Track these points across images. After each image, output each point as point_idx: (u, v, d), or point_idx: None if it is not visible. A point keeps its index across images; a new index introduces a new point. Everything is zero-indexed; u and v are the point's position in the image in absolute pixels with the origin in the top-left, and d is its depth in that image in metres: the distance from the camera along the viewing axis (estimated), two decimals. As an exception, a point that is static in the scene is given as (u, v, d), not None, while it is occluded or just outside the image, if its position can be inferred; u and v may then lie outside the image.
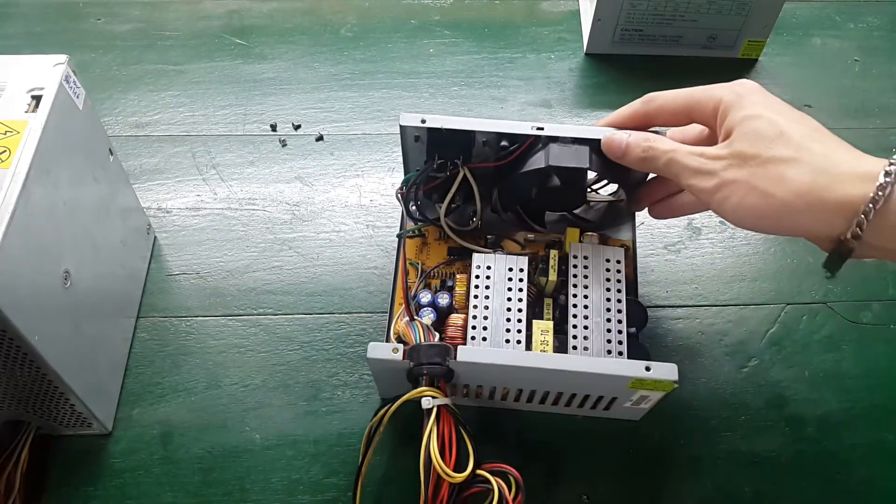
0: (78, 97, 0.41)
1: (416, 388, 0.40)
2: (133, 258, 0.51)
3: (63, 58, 0.40)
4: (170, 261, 0.54)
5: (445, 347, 0.40)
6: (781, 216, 0.35)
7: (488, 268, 0.45)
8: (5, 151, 0.36)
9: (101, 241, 0.44)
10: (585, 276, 0.44)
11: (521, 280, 0.44)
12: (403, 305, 0.45)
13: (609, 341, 0.42)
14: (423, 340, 0.41)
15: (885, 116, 0.65)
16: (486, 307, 0.43)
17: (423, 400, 0.39)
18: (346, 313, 0.52)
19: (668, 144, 0.40)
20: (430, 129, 0.44)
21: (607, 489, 0.45)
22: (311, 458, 0.46)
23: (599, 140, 0.42)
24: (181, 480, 0.45)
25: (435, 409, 0.38)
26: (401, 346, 0.40)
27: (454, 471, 0.37)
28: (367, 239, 0.55)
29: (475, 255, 0.45)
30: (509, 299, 0.43)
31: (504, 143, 0.44)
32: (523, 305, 0.43)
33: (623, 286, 0.44)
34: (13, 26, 0.69)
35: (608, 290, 0.44)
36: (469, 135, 0.44)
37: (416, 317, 0.43)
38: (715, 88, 0.39)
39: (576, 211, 0.49)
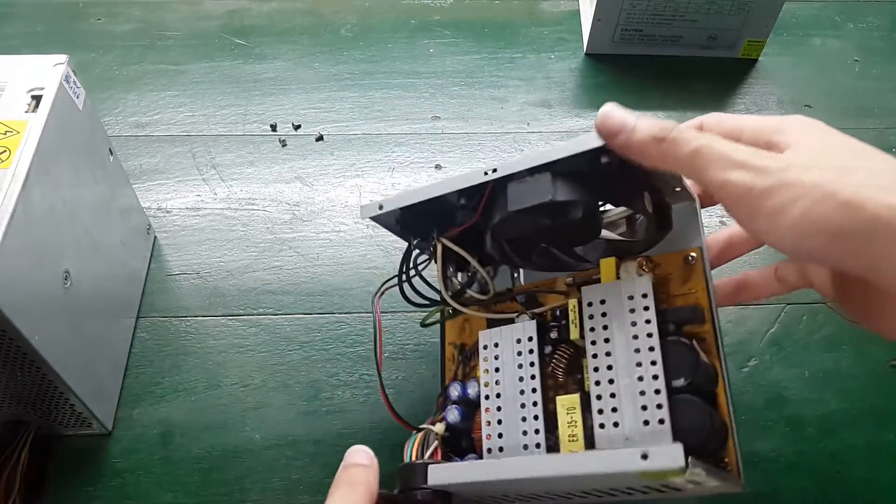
0: (78, 97, 0.41)
1: None
2: (133, 258, 0.51)
3: (63, 58, 0.40)
4: (170, 261, 0.54)
5: (423, 467, 0.34)
6: (869, 237, 0.26)
7: (496, 345, 0.38)
8: (5, 151, 0.36)
9: (101, 241, 0.44)
10: (605, 327, 0.35)
11: (531, 352, 0.37)
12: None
13: (644, 407, 0.32)
14: (414, 457, 0.36)
15: (885, 116, 0.65)
16: (499, 395, 0.37)
17: None
18: (346, 313, 0.52)
19: (695, 131, 0.30)
20: (383, 215, 0.39)
21: None
22: (311, 457, 0.46)
23: (559, 160, 0.33)
24: (181, 480, 0.45)
25: None
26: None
27: None
28: (367, 239, 0.55)
29: (480, 335, 0.39)
30: (521, 379, 0.36)
31: (462, 201, 0.37)
32: (537, 384, 0.36)
33: (654, 328, 0.34)
34: (13, 26, 0.69)
35: (635, 336, 0.34)
36: (428, 203, 0.37)
37: (425, 426, 0.38)
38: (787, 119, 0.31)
39: (609, 235, 0.40)
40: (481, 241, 0.38)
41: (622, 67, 0.68)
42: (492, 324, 0.40)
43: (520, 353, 0.37)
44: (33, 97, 0.38)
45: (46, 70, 0.40)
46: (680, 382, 0.32)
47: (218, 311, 0.51)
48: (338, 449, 0.46)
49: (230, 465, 0.45)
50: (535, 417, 0.35)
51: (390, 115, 0.63)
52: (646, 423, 0.32)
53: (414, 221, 0.39)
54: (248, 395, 0.48)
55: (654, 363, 0.33)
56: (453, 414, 0.38)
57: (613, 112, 0.31)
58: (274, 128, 0.62)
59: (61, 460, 0.45)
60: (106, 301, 0.46)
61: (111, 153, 0.47)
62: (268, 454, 0.46)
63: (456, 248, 0.38)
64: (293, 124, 0.62)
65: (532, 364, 0.36)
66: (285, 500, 0.44)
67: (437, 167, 0.60)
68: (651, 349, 0.33)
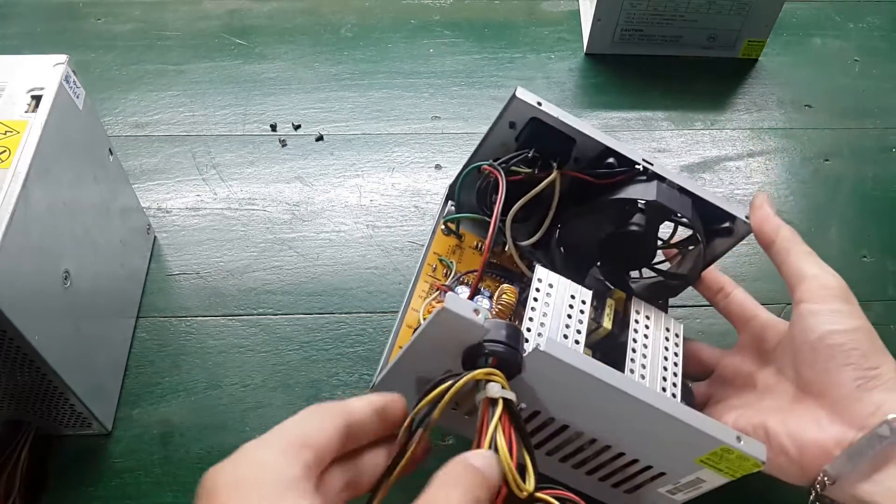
0: (78, 97, 0.41)
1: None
2: (133, 258, 0.51)
3: (63, 58, 0.40)
4: (170, 261, 0.54)
5: (517, 330, 0.32)
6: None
7: (550, 286, 0.38)
8: (5, 151, 0.36)
9: (100, 241, 0.44)
10: (646, 337, 0.39)
11: (581, 312, 0.38)
12: (438, 287, 0.39)
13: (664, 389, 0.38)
14: (495, 313, 0.36)
15: (885, 116, 0.65)
16: (542, 326, 0.36)
17: (491, 386, 0.30)
18: (345, 313, 0.52)
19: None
20: (533, 118, 0.39)
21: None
22: (311, 458, 0.46)
23: (700, 197, 0.40)
24: (181, 480, 0.45)
25: (501, 404, 0.29)
26: (482, 308, 0.31)
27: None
28: (367, 239, 0.55)
29: (539, 269, 0.39)
30: (567, 326, 0.37)
31: (611, 160, 0.40)
32: (582, 338, 0.37)
33: (679, 363, 0.39)
34: (13, 26, 0.69)
35: (665, 358, 0.39)
36: (570, 141, 0.39)
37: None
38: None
39: (626, 275, 0.44)
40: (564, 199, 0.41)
41: (622, 67, 0.68)
42: (488, 267, 0.42)
43: (571, 307, 0.38)
44: (33, 97, 0.38)
45: (46, 70, 0.40)
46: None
47: (218, 311, 0.51)
48: (338, 449, 0.46)
49: (230, 465, 0.45)
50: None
51: (390, 114, 0.63)
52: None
53: (539, 141, 0.40)
54: (247, 395, 0.48)
55: (674, 393, 0.38)
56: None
57: (769, 201, 0.41)
58: (274, 128, 0.62)
59: (61, 460, 0.45)
60: (106, 301, 0.46)
61: (111, 153, 0.47)
62: (268, 454, 0.46)
63: (557, 188, 0.40)
64: (293, 124, 0.62)
65: (581, 322, 0.38)
66: (285, 501, 0.44)
67: (437, 167, 0.60)
68: (675, 383, 0.39)
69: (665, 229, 0.43)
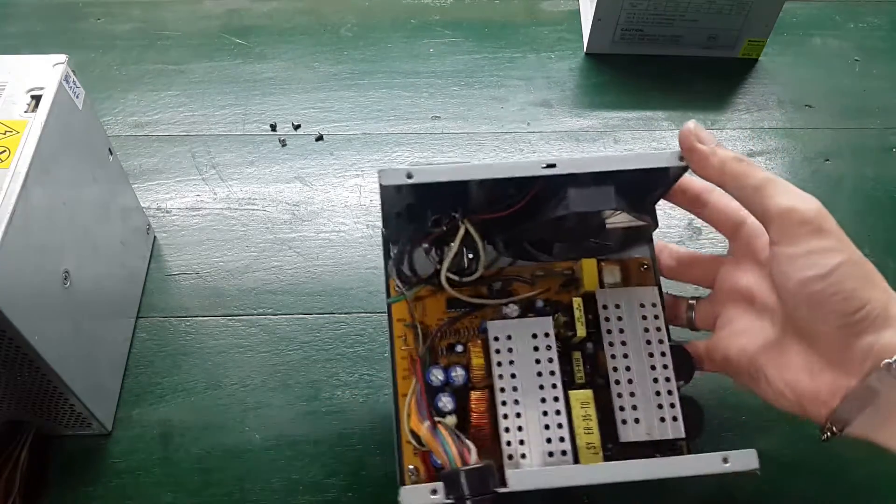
0: (77, 97, 0.41)
1: None
2: (133, 258, 0.51)
3: (62, 58, 0.40)
4: (169, 261, 0.54)
5: (488, 468, 0.33)
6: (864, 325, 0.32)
7: (508, 338, 0.37)
8: (5, 151, 0.36)
9: (100, 241, 0.44)
10: (621, 331, 0.38)
11: (548, 348, 0.37)
12: (415, 399, 0.37)
13: (660, 406, 0.36)
14: (456, 457, 0.34)
15: (886, 116, 0.65)
16: (515, 388, 0.36)
17: None
18: (345, 313, 0.52)
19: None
20: (394, 187, 0.35)
21: (607, 487, 0.45)
22: (311, 458, 0.46)
23: (622, 171, 0.35)
24: (181, 481, 0.45)
25: None
26: (439, 486, 0.32)
27: None
28: (367, 239, 0.55)
29: (490, 325, 0.37)
30: (539, 374, 0.36)
31: (511, 190, 0.37)
32: (557, 380, 0.36)
33: (664, 334, 0.38)
34: (13, 26, 0.68)
35: (648, 342, 0.37)
36: (464, 183, 0.36)
37: (436, 418, 0.36)
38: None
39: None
40: (490, 226, 0.38)
41: (622, 67, 0.68)
42: (456, 304, 0.40)
43: (536, 349, 0.37)
44: (33, 97, 0.38)
45: (46, 70, 0.40)
46: (681, 384, 0.37)
47: (217, 311, 0.51)
48: (338, 449, 0.46)
49: (230, 466, 0.45)
50: (558, 412, 0.36)
51: (390, 114, 0.63)
52: (662, 419, 0.36)
53: (430, 198, 0.37)
54: (247, 395, 0.48)
55: (665, 367, 0.37)
56: (449, 403, 0.37)
57: (700, 128, 0.35)
58: (274, 128, 0.62)
59: (61, 461, 0.45)
60: (105, 301, 0.46)
61: (111, 153, 0.47)
62: (267, 454, 0.46)
63: (474, 233, 0.37)
64: (293, 124, 0.62)
65: (551, 360, 0.36)
66: (285, 501, 0.44)
67: (437, 167, 0.60)
68: (662, 354, 0.37)
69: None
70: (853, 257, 0.33)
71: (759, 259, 0.38)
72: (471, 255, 0.39)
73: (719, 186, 0.36)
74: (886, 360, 0.32)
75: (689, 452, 0.37)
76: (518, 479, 0.32)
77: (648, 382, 0.37)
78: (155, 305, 0.51)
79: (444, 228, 0.38)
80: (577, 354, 0.38)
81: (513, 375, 0.36)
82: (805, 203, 0.33)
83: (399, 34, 0.70)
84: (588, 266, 0.40)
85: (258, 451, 0.46)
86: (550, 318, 0.38)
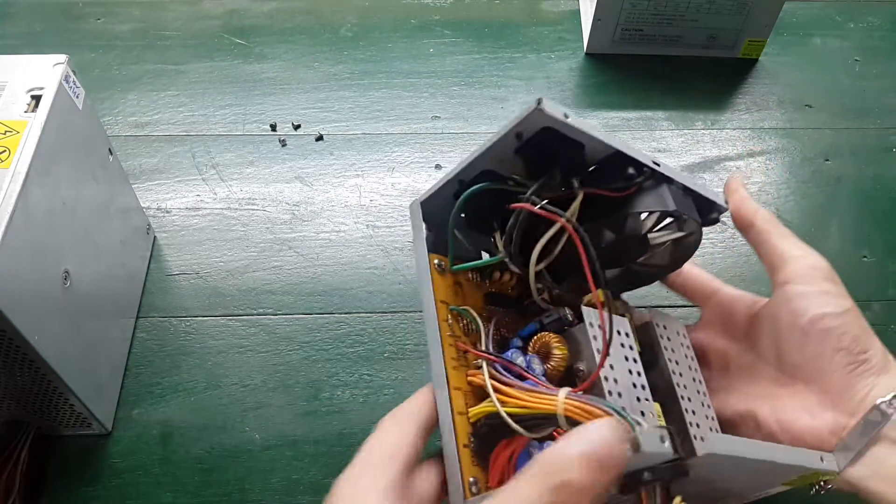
0: (77, 97, 0.41)
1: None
2: (133, 258, 0.51)
3: (63, 58, 0.40)
4: (169, 261, 0.54)
5: (668, 432, 0.28)
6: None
7: (599, 328, 0.33)
8: (5, 151, 0.36)
9: (100, 241, 0.44)
10: (673, 351, 0.38)
11: (631, 348, 0.34)
12: (479, 356, 0.33)
13: (712, 428, 0.36)
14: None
15: (886, 116, 0.65)
16: (616, 380, 0.32)
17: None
18: (345, 313, 0.52)
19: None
20: (544, 129, 0.33)
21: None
22: (311, 458, 0.46)
23: (694, 191, 0.36)
24: (181, 481, 0.45)
25: None
26: (665, 432, 0.27)
27: None
28: (367, 239, 0.55)
29: (586, 310, 0.33)
30: (630, 371, 0.33)
31: (631, 170, 0.34)
32: (644, 381, 0.33)
33: (697, 365, 0.38)
34: (13, 26, 0.68)
35: (693, 377, 0.38)
36: (580, 147, 0.33)
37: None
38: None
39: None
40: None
41: (622, 67, 0.68)
42: (491, 299, 0.37)
43: (622, 346, 0.34)
44: (33, 97, 0.38)
45: (46, 70, 0.40)
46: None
47: (217, 311, 0.51)
48: (337, 449, 0.46)
49: (230, 466, 0.45)
50: (652, 413, 0.32)
51: (390, 114, 0.63)
52: (711, 429, 0.36)
53: (544, 151, 0.34)
54: (247, 395, 0.48)
55: (705, 393, 0.38)
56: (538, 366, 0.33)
57: (744, 184, 0.40)
58: (274, 128, 0.62)
59: (61, 460, 0.45)
60: (105, 301, 0.46)
61: (111, 153, 0.47)
62: (267, 454, 0.46)
63: (575, 206, 0.33)
64: (293, 124, 0.62)
65: (636, 360, 0.33)
66: (285, 501, 0.44)
67: (437, 167, 0.60)
68: (700, 382, 0.38)
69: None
70: (857, 310, 0.36)
71: (733, 323, 0.40)
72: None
73: (746, 227, 0.39)
74: (881, 399, 0.33)
75: None
76: (719, 443, 0.30)
77: (701, 404, 0.36)
78: (155, 305, 0.51)
79: (563, 190, 0.34)
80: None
81: (615, 380, 0.32)
82: (820, 257, 0.37)
83: (399, 34, 0.70)
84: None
85: (258, 451, 0.46)
86: (626, 318, 0.35)
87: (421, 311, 0.37)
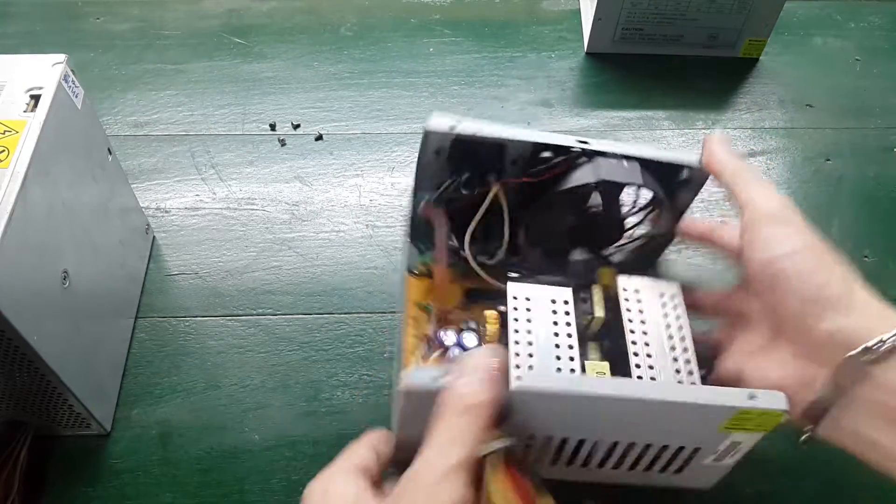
0: (77, 97, 0.41)
1: None
2: (132, 258, 0.51)
3: (62, 57, 0.40)
4: (169, 261, 0.54)
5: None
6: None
7: (527, 299, 0.37)
8: (4, 151, 0.36)
9: (99, 241, 0.44)
10: (640, 312, 0.38)
11: (567, 314, 0.37)
12: (424, 343, 0.38)
13: (678, 371, 0.36)
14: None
15: (886, 116, 0.65)
16: (530, 343, 0.35)
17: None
18: (345, 313, 0.51)
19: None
20: (455, 139, 0.37)
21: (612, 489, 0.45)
22: (311, 459, 0.45)
23: (648, 159, 0.38)
24: (180, 481, 0.44)
25: (493, 457, 0.30)
26: (445, 372, 0.31)
27: None
28: (367, 239, 0.55)
29: (510, 285, 0.38)
30: (556, 334, 0.36)
31: (546, 154, 0.38)
32: (574, 342, 0.36)
33: (686, 327, 0.37)
34: (12, 25, 0.68)
35: (669, 335, 0.37)
36: (501, 148, 0.37)
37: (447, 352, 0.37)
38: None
39: (605, 251, 0.43)
40: (519, 201, 0.39)
41: (623, 66, 0.67)
42: (475, 294, 0.40)
43: (555, 312, 0.37)
44: (32, 97, 0.38)
45: (45, 69, 0.39)
46: (703, 373, 0.37)
47: (217, 311, 0.51)
48: (337, 450, 0.46)
49: (229, 466, 0.45)
50: (572, 371, 0.35)
51: (390, 114, 0.63)
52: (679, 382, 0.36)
53: (468, 159, 0.38)
54: (247, 395, 0.48)
55: (687, 360, 0.36)
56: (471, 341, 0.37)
57: (722, 139, 0.38)
58: (273, 127, 0.62)
59: (60, 461, 0.45)
60: (104, 301, 0.46)
61: (110, 153, 0.47)
62: (267, 455, 0.46)
63: (503, 199, 0.38)
64: (292, 124, 0.62)
65: (568, 324, 0.36)
66: (285, 502, 0.44)
67: (437, 167, 0.60)
68: (685, 349, 0.36)
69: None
70: (812, 243, 0.33)
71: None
72: (495, 244, 0.40)
73: (718, 178, 0.38)
74: (849, 353, 0.31)
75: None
76: (526, 378, 0.32)
77: (668, 367, 0.36)
78: (154, 305, 0.51)
79: (475, 192, 0.38)
80: (594, 345, 0.38)
81: (529, 343, 0.35)
82: (774, 198, 0.35)
83: (399, 33, 0.70)
84: (605, 274, 0.40)
85: (257, 451, 0.46)
86: (570, 288, 0.38)
87: None
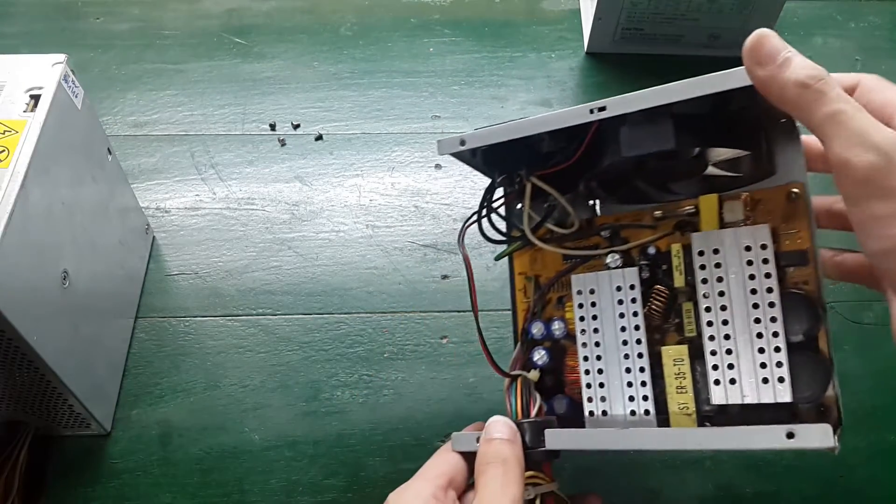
0: (76, 96, 0.41)
1: None
2: (132, 258, 0.51)
3: (62, 57, 0.40)
4: (168, 261, 0.54)
5: (541, 424, 0.34)
6: None
7: (591, 292, 0.36)
8: (4, 151, 0.36)
9: (99, 241, 0.44)
10: (719, 279, 0.33)
11: (633, 301, 0.35)
12: (528, 312, 0.39)
13: (764, 365, 0.31)
14: (519, 410, 0.35)
15: (887, 116, 0.65)
16: (598, 343, 0.35)
17: (528, 490, 0.33)
18: (345, 313, 0.51)
19: (841, 92, 0.27)
20: (471, 151, 0.36)
21: (613, 488, 0.45)
22: (311, 459, 0.45)
23: (681, 103, 0.31)
24: (180, 481, 0.44)
25: (538, 500, 0.33)
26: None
27: None
28: (367, 239, 0.55)
29: (573, 279, 0.37)
30: (623, 328, 0.35)
31: (560, 143, 0.36)
32: (642, 335, 0.34)
33: (775, 282, 0.32)
34: (12, 25, 0.68)
35: (754, 291, 0.32)
36: (520, 144, 0.35)
37: (517, 372, 0.37)
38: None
39: (710, 169, 0.36)
40: (566, 176, 0.37)
41: (623, 66, 0.67)
42: (571, 259, 0.39)
43: (620, 302, 0.35)
44: (32, 97, 0.38)
45: (45, 69, 0.39)
46: (798, 338, 0.31)
47: (217, 311, 0.51)
48: (337, 450, 0.46)
49: (229, 466, 0.45)
50: (641, 370, 0.34)
51: (390, 114, 0.63)
52: (765, 380, 0.31)
53: (498, 157, 0.38)
54: (246, 395, 0.48)
55: (773, 319, 0.31)
56: (542, 357, 0.37)
57: (771, 37, 0.28)
58: (273, 127, 0.62)
59: (60, 461, 0.45)
60: (104, 301, 0.46)
61: (110, 153, 0.47)
62: (267, 455, 0.46)
63: (546, 188, 0.37)
64: (292, 124, 0.62)
65: (635, 314, 0.35)
66: (284, 501, 0.44)
67: (438, 167, 0.60)
68: (771, 304, 0.32)
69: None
70: None
71: None
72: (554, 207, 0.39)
73: (783, 108, 0.29)
74: None
75: (800, 420, 0.31)
76: (553, 438, 0.33)
77: (752, 337, 0.32)
78: (154, 305, 0.51)
79: (515, 188, 0.38)
80: (688, 306, 0.34)
81: (595, 330, 0.35)
82: (861, 155, 0.26)
83: (399, 33, 0.69)
84: (707, 204, 0.34)
85: (257, 451, 0.46)
86: (636, 269, 0.35)
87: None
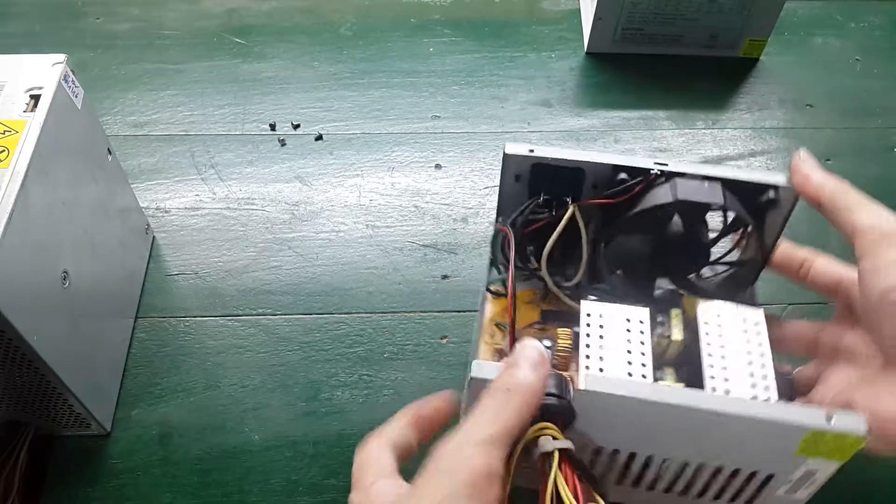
0: (76, 96, 0.41)
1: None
2: (132, 258, 0.51)
3: (62, 57, 0.40)
4: (168, 261, 0.54)
5: (564, 379, 0.31)
6: None
7: (600, 316, 0.36)
8: (4, 151, 0.36)
9: (99, 241, 0.44)
10: (720, 338, 0.36)
11: (641, 333, 0.36)
12: (497, 356, 0.38)
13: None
14: (559, 361, 0.35)
15: (887, 116, 0.65)
16: (601, 357, 0.35)
17: (542, 441, 0.29)
18: (345, 313, 0.51)
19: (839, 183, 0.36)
20: (535, 164, 0.38)
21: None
22: (311, 459, 0.45)
23: (731, 180, 0.37)
24: (180, 481, 0.44)
25: (557, 455, 0.29)
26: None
27: None
28: (367, 239, 0.55)
29: (584, 303, 0.37)
30: (629, 352, 0.35)
31: (622, 175, 0.38)
32: (648, 360, 0.35)
33: (767, 356, 0.35)
34: (12, 25, 0.68)
35: (749, 362, 0.35)
36: (579, 171, 0.38)
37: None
38: None
39: (690, 277, 0.41)
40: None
41: (623, 66, 0.67)
42: (546, 316, 0.40)
43: (629, 331, 0.36)
44: (32, 97, 0.38)
45: (45, 69, 0.39)
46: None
47: (217, 311, 0.51)
48: (337, 450, 0.46)
49: (229, 466, 0.45)
50: None
51: (390, 114, 0.63)
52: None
53: (543, 180, 0.39)
54: (246, 395, 0.48)
55: (766, 387, 0.34)
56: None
57: (808, 156, 0.37)
58: (273, 127, 0.62)
59: (60, 461, 0.45)
60: (104, 301, 0.46)
61: (110, 153, 0.47)
62: (267, 455, 0.45)
63: (580, 221, 0.38)
64: (292, 123, 0.62)
65: (642, 343, 0.35)
66: (284, 502, 0.44)
67: (437, 167, 0.60)
68: (764, 376, 0.35)
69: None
70: None
71: (855, 312, 0.37)
72: (572, 267, 0.40)
73: (816, 206, 0.37)
74: None
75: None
76: (591, 379, 0.31)
77: (747, 393, 0.34)
78: (154, 305, 0.51)
79: (553, 213, 0.39)
80: (670, 370, 0.37)
81: (600, 358, 0.35)
82: (888, 221, 0.34)
83: (399, 33, 0.70)
84: (689, 302, 0.39)
85: (257, 451, 0.46)
86: (647, 309, 0.37)
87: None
